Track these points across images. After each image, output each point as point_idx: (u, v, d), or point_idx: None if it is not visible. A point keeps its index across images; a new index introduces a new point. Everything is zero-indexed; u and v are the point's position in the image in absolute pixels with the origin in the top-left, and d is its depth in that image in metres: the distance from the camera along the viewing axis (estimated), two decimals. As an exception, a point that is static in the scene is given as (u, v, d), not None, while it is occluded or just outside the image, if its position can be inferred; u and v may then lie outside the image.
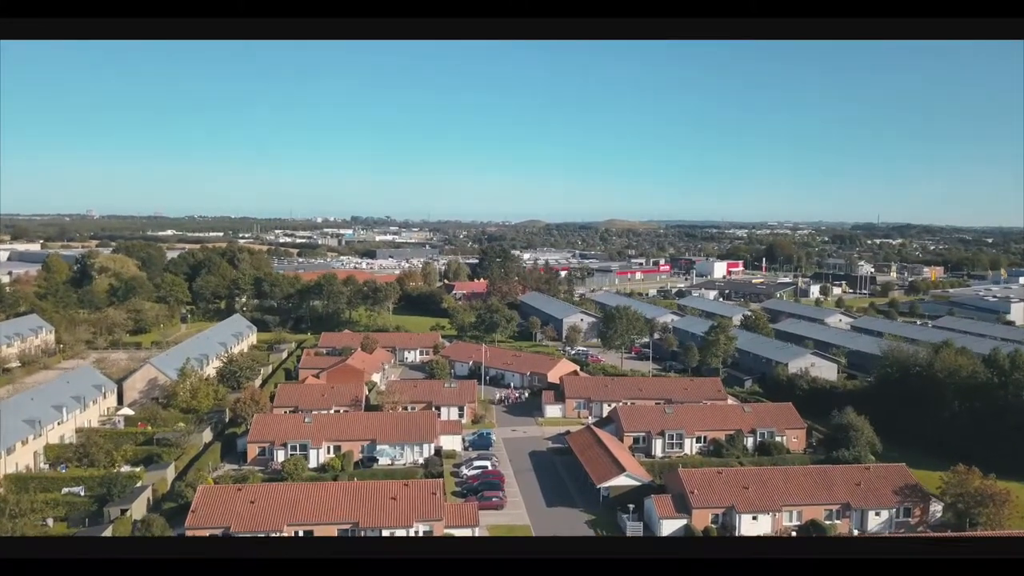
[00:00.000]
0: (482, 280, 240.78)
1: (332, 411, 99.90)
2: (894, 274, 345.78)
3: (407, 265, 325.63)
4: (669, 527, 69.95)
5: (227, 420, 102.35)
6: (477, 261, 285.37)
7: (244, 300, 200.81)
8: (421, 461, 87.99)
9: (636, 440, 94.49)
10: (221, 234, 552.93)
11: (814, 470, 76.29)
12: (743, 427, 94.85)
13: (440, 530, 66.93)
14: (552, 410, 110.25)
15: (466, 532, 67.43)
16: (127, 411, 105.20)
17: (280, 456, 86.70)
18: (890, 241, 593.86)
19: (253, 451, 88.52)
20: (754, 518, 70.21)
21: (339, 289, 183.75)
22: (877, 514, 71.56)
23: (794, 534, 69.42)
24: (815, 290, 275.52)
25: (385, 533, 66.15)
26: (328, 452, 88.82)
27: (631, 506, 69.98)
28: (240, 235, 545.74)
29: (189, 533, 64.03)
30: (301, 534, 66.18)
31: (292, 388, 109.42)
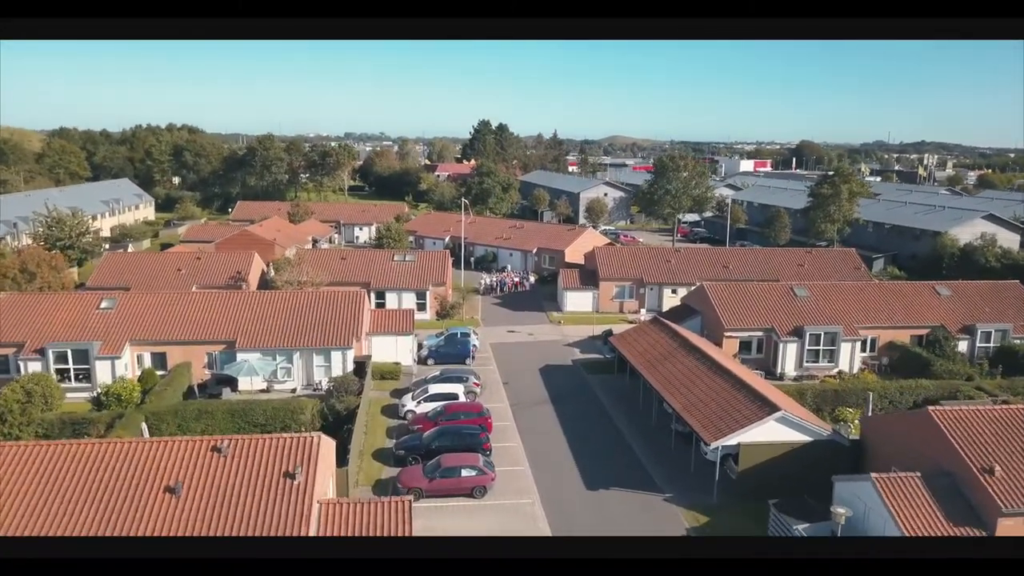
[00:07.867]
0: (472, 161, 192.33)
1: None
2: (952, 169, 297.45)
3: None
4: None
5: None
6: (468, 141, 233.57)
7: (162, 177, 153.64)
8: (326, 384, 43.68)
9: (743, 347, 50.17)
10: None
11: None
12: (948, 323, 50.31)
13: None
14: (576, 299, 65.46)
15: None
16: None
17: (37, 370, 42.26)
18: (907, 155, 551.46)
19: (-20, 363, 43.99)
20: None
21: (277, 155, 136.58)
22: None
23: None
24: (872, 180, 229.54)
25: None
26: (137, 365, 44.45)
27: (845, 512, 25.21)
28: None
29: None
30: None
31: (126, 258, 64.15)
